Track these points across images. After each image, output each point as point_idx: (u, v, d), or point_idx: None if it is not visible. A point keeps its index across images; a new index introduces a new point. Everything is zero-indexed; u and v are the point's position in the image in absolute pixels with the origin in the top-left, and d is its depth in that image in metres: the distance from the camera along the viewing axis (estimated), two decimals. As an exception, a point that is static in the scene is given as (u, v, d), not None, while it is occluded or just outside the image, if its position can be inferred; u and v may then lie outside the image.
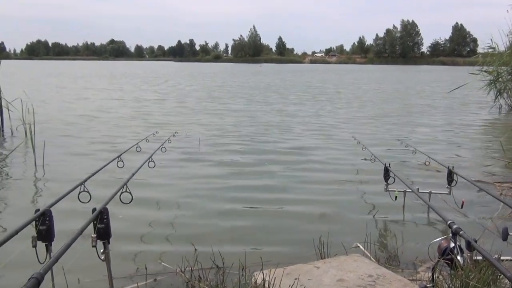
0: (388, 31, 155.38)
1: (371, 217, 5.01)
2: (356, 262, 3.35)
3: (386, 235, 4.51)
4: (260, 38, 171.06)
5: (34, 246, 2.30)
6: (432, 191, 4.95)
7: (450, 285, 2.57)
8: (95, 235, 2.37)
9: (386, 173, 4.90)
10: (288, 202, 5.57)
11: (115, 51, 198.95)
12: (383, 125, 12.53)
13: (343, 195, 5.86)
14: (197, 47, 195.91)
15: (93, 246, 2.31)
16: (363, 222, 4.68)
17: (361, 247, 4.03)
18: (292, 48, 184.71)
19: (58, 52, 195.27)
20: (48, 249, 2.42)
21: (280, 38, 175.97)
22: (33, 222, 2.34)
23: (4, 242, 1.94)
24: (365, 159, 7.19)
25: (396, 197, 4.84)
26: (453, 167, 4.83)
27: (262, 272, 2.66)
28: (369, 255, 3.86)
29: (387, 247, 4.05)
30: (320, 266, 3.26)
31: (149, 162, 4.77)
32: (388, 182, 4.91)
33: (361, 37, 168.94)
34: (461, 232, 2.49)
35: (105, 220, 2.45)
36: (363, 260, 3.42)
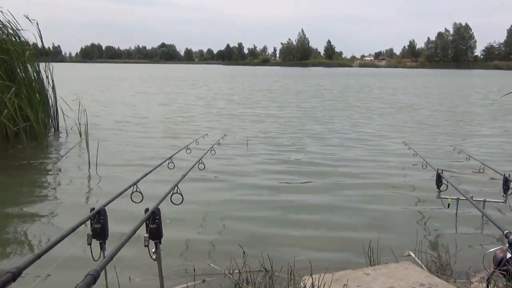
0: (440, 34, 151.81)
1: (422, 225, 4.89)
2: (407, 270, 3.27)
3: (438, 243, 4.39)
4: (308, 42, 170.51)
5: (89, 243, 2.37)
6: (487, 199, 4.78)
7: (507, 297, 2.47)
8: (147, 235, 2.41)
9: (439, 179, 4.77)
10: (337, 207, 5.51)
11: (166, 54, 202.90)
12: (434, 131, 12.24)
13: (393, 202, 5.74)
14: (246, 51, 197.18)
15: (145, 246, 2.35)
16: (414, 229, 4.58)
17: (412, 255, 3.94)
18: (341, 52, 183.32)
19: (111, 55, 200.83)
20: (102, 247, 2.48)
21: (328, 42, 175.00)
22: (88, 221, 2.41)
23: (61, 240, 2.00)
24: (416, 165, 7.03)
25: (449, 204, 4.71)
26: (509, 174, 4.66)
27: (312, 277, 2.64)
28: (421, 263, 3.77)
29: (439, 255, 3.94)
30: (369, 273, 3.20)
31: (199, 164, 4.82)
32: (440, 189, 4.77)
33: (412, 41, 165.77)
34: (518, 242, 2.40)
35: (157, 221, 2.49)
36: (414, 268, 3.34)
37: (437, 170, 4.83)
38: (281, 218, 5.06)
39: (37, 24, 10.18)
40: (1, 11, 9.52)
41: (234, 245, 4.10)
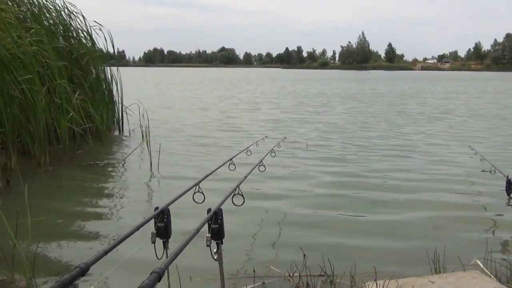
0: (508, 35, 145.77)
1: (490, 233, 4.67)
2: (475, 279, 3.13)
3: (508, 252, 4.17)
4: (368, 45, 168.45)
5: (153, 242, 2.40)
6: (561, 208, 4.51)
7: None
8: (209, 235, 2.41)
9: (509, 186, 4.54)
10: (401, 212, 5.36)
11: (225, 58, 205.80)
12: (503, 136, 11.73)
13: (460, 208, 5.53)
14: (304, 54, 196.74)
15: (207, 246, 2.36)
16: (482, 237, 4.38)
17: (480, 264, 3.77)
18: (402, 55, 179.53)
19: (173, 59, 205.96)
20: (165, 245, 2.52)
21: (389, 45, 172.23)
22: (152, 219, 2.44)
23: (127, 237, 2.04)
24: (483, 171, 6.75)
25: (520, 212, 4.48)
26: None
27: (376, 282, 2.57)
28: (489, 272, 3.60)
29: (510, 264, 3.75)
30: (435, 281, 3.08)
31: (259, 166, 4.81)
32: (510, 196, 4.55)
33: (478, 43, 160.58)
34: None
35: (219, 221, 2.49)
36: (483, 277, 3.19)
37: (507, 176, 4.60)
38: (342, 223, 4.98)
39: (109, 31, 10.62)
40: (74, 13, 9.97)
41: (294, 248, 4.07)
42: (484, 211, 5.41)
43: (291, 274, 3.48)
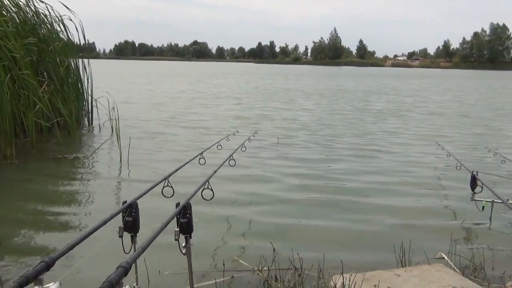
0: (476, 34, 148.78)
1: (455, 227, 4.78)
2: (439, 272, 3.20)
3: (471, 246, 4.28)
4: (340, 41, 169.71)
5: (121, 236, 2.38)
6: (524, 203, 4.65)
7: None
8: (178, 229, 2.41)
9: (473, 181, 4.65)
10: (369, 207, 5.44)
11: (197, 52, 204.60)
12: (469, 132, 12.00)
13: (426, 202, 5.65)
14: (277, 49, 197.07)
15: (176, 240, 2.36)
16: (447, 231, 4.48)
17: (444, 257, 3.86)
18: (373, 51, 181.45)
19: (144, 52, 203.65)
20: (133, 240, 2.50)
21: (361, 41, 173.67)
22: (120, 213, 2.42)
23: (94, 231, 2.02)
24: (449, 166, 6.89)
25: (483, 207, 4.59)
26: (547, 178, 4.52)
27: (342, 276, 2.61)
28: (453, 266, 3.69)
29: (473, 258, 3.84)
30: (400, 274, 3.15)
31: (230, 160, 4.82)
32: (475, 191, 4.66)
33: (446, 41, 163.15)
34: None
35: (188, 215, 2.49)
36: (447, 270, 3.27)
37: (472, 172, 4.72)
38: (311, 217, 5.02)
39: (80, 21, 10.43)
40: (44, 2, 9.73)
41: (264, 242, 4.09)
42: (449, 205, 5.53)
43: (260, 268, 3.50)
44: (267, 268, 3.44)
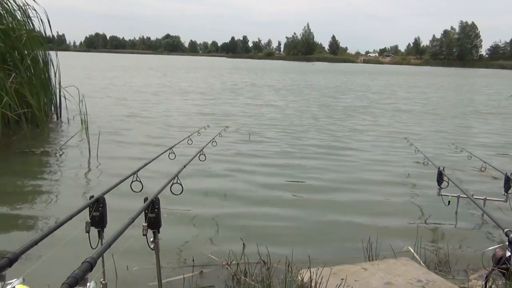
0: (445, 32, 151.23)
1: (422, 221, 4.88)
2: (405, 266, 3.27)
3: (437, 240, 4.38)
4: (313, 37, 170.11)
5: (88, 231, 2.36)
6: (488, 198, 4.76)
7: (505, 295, 2.47)
8: (146, 224, 2.40)
9: (440, 177, 4.75)
10: (337, 202, 5.51)
11: (170, 46, 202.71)
12: (437, 128, 12.23)
13: (393, 197, 5.74)
14: (250, 44, 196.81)
15: (143, 235, 2.34)
16: (413, 225, 4.57)
17: (411, 250, 3.94)
18: (346, 47, 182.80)
19: (115, 45, 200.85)
20: (100, 235, 2.48)
21: (333, 37, 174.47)
22: (87, 208, 2.40)
23: (59, 226, 1.99)
24: (417, 162, 7.01)
25: (449, 202, 4.70)
26: (511, 173, 4.64)
27: (310, 270, 2.64)
28: (419, 259, 3.77)
29: (438, 252, 3.93)
30: (368, 268, 3.20)
31: (200, 155, 4.81)
32: (441, 186, 4.76)
33: (417, 38, 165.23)
34: (518, 241, 2.39)
35: (156, 210, 2.47)
36: (412, 264, 3.33)
37: (438, 167, 4.82)
38: (281, 213, 5.05)
39: (45, 10, 10.20)
40: None
41: (233, 237, 4.11)
42: (416, 201, 5.63)
43: (229, 263, 3.51)
44: (236, 263, 3.45)
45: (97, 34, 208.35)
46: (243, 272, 3.37)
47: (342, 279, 2.70)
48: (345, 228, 4.64)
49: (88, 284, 1.54)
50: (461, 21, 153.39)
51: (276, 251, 3.55)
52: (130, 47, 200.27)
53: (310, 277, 2.55)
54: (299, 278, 2.85)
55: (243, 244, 3.88)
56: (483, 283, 2.75)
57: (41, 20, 10.27)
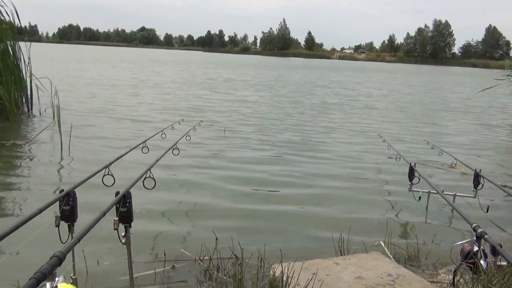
0: (419, 30, 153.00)
1: (393, 216, 4.95)
2: (376, 260, 3.31)
3: (407, 235, 4.45)
4: (289, 32, 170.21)
5: (57, 225, 2.33)
6: (457, 194, 4.86)
7: (472, 289, 2.52)
8: (117, 218, 2.38)
9: (411, 173, 4.82)
10: (310, 197, 5.55)
11: (145, 38, 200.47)
12: (409, 125, 12.38)
13: (365, 193, 5.80)
14: (226, 38, 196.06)
15: (114, 229, 2.32)
16: (384, 221, 4.63)
17: (382, 245, 3.99)
18: (321, 43, 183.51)
19: (89, 37, 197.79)
20: (70, 229, 2.45)
21: (309, 33, 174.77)
22: (58, 202, 2.37)
23: (28, 220, 1.97)
24: (390, 158, 7.11)
25: (420, 197, 4.78)
26: (480, 170, 4.73)
27: (281, 265, 2.65)
28: (390, 254, 3.82)
29: (409, 247, 4.00)
30: (339, 262, 3.23)
31: (173, 149, 4.78)
32: (412, 182, 4.84)
33: (392, 35, 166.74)
34: (485, 236, 2.45)
35: (127, 204, 2.45)
36: (383, 259, 3.38)
37: (410, 164, 4.88)
38: (254, 207, 5.07)
39: (12, 2, 9.98)
40: None
41: (206, 232, 4.10)
42: (388, 196, 5.71)
43: (202, 258, 3.51)
44: (208, 258, 3.45)
45: (70, 26, 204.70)
46: (215, 267, 3.37)
47: (313, 274, 2.72)
48: (317, 223, 4.67)
49: (56, 279, 1.52)
50: (435, 19, 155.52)
51: (249, 246, 3.56)
52: (104, 39, 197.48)
53: (282, 271, 2.56)
54: (271, 272, 2.87)
55: (216, 239, 3.88)
56: (452, 277, 2.80)
57: (11, 10, 10.05)
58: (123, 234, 2.49)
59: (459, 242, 2.85)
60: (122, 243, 2.50)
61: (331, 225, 4.47)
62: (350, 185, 6.10)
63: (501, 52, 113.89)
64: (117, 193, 2.46)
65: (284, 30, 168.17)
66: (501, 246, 2.27)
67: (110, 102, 13.46)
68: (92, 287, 3.14)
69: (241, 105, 14.76)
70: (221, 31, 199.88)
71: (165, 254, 3.56)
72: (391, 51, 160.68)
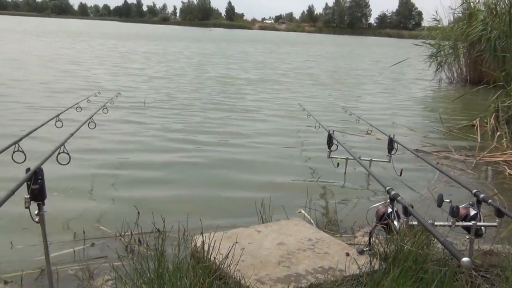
0: (337, 1, 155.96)
1: (313, 183, 5.07)
2: (296, 226, 3.38)
3: (327, 201, 4.58)
4: (209, 2, 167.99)
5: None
6: (373, 159, 5.03)
7: (386, 248, 2.64)
8: (28, 196, 2.26)
9: (330, 140, 4.94)
10: (230, 166, 5.59)
11: (57, 8, 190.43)
12: (328, 94, 12.71)
13: (286, 161, 5.91)
14: (144, 8, 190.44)
15: (26, 207, 2.21)
16: (305, 187, 4.72)
17: (303, 212, 4.08)
18: (242, 14, 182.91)
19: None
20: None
21: (229, 3, 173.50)
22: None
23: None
24: (309, 126, 7.25)
25: (338, 164, 4.91)
26: (394, 135, 4.93)
27: (202, 235, 2.65)
28: (310, 219, 3.92)
29: (328, 212, 4.13)
30: (261, 230, 3.27)
31: (89, 122, 4.61)
32: (331, 149, 4.96)
33: (311, 6, 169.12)
34: (398, 198, 2.56)
35: (39, 181, 2.34)
36: (303, 224, 3.46)
37: (328, 131, 5.00)
38: (175, 183, 5.02)
39: None
40: None
41: (126, 208, 4.01)
42: (307, 163, 5.85)
43: (123, 234, 3.43)
44: (130, 233, 3.38)
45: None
46: (137, 241, 3.31)
47: (235, 242, 2.74)
48: (238, 193, 4.70)
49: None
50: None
51: (172, 220, 3.51)
52: (13, 9, 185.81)
53: (203, 241, 2.55)
54: (193, 244, 2.86)
55: (138, 213, 3.80)
56: (367, 238, 2.92)
57: None
58: (36, 212, 2.38)
59: (374, 205, 2.96)
60: (36, 221, 2.38)
61: (252, 194, 4.48)
62: (269, 153, 6.19)
63: (414, 23, 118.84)
64: (28, 170, 2.34)
65: (204, 0, 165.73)
66: (412, 207, 2.38)
67: (20, 74, 12.76)
68: (7, 270, 2.97)
69: (162, 80, 14.41)
70: (138, 1, 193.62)
71: (84, 232, 3.44)
72: (311, 21, 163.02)
